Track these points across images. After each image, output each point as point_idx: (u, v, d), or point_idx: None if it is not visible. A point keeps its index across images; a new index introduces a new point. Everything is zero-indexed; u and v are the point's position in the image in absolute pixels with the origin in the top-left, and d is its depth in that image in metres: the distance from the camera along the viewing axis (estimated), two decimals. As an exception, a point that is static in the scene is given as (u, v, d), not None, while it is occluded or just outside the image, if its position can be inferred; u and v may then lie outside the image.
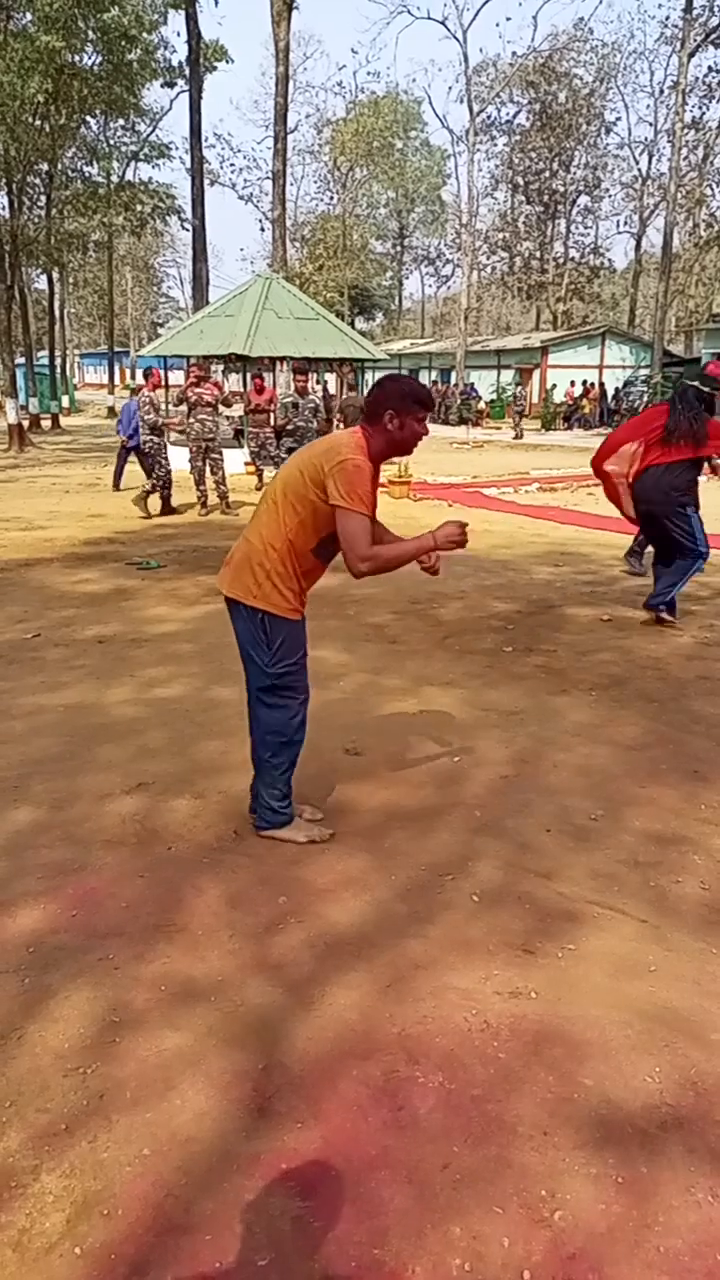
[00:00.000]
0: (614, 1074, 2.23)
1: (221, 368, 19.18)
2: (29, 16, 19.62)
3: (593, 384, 34.77)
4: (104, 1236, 1.80)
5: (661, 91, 42.01)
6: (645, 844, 3.36)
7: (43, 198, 26.30)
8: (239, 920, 2.86)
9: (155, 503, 11.82)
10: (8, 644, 5.87)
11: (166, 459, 11.72)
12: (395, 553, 3.06)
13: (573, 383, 34.56)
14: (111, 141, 29.53)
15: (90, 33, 20.79)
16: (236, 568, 3.14)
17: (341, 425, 15.54)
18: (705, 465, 6.53)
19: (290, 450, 10.68)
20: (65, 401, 37.67)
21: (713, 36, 31.18)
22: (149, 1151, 2.00)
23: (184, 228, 31.28)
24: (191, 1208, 1.86)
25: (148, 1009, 2.45)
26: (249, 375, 16.74)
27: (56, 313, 36.90)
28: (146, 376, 11.99)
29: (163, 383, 11.79)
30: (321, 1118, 2.09)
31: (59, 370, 35.60)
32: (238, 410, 16.32)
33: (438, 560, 3.25)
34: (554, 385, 34.67)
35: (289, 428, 10.60)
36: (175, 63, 26.57)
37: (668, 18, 40.28)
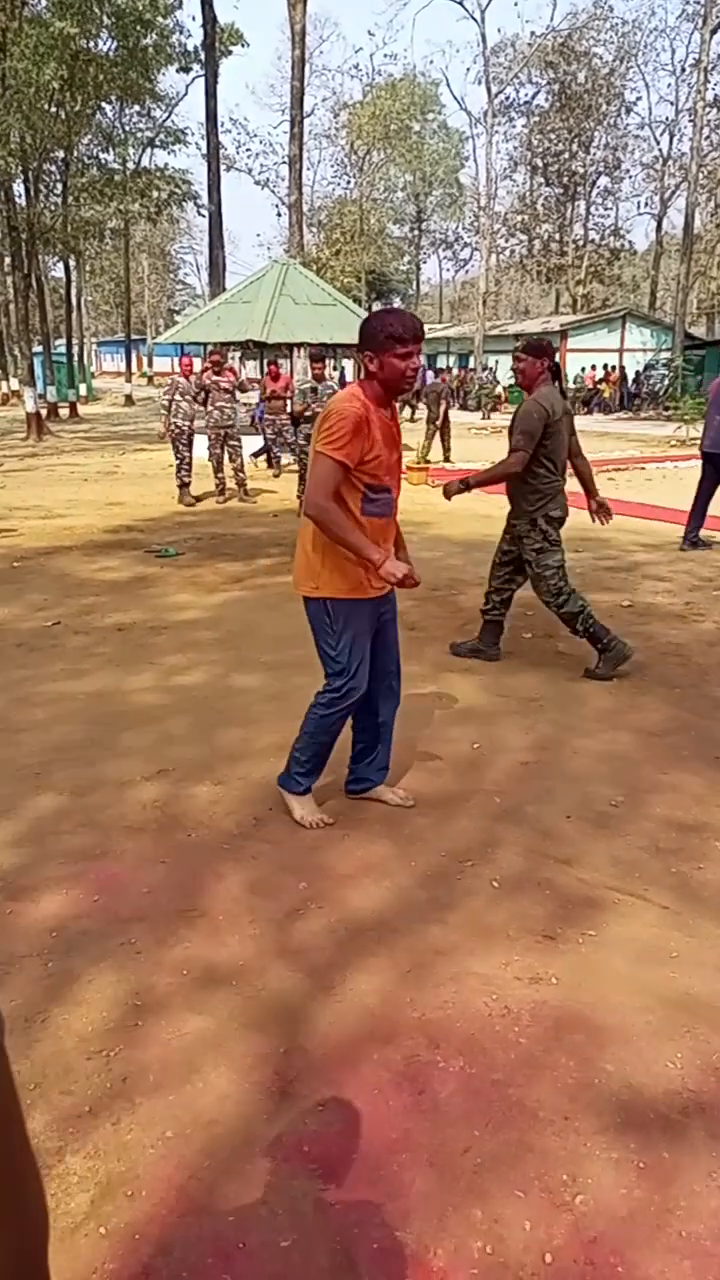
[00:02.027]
0: (635, 1059, 2.23)
1: (239, 354, 19.13)
2: (43, 2, 19.57)
3: (613, 367, 34.45)
4: (128, 1217, 1.82)
5: (683, 70, 41.32)
6: (666, 830, 3.35)
7: (59, 185, 26.27)
8: (260, 906, 2.87)
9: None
10: (29, 632, 5.91)
11: (186, 445, 11.68)
12: (343, 529, 2.96)
13: (593, 367, 34.27)
14: (127, 127, 29.33)
15: (105, 18, 20.65)
16: (296, 564, 3.22)
17: (426, 410, 16.66)
18: None
19: (308, 437, 10.64)
20: (83, 390, 37.71)
21: (735, 12, 30.67)
22: (172, 1134, 2.02)
23: (200, 214, 31.19)
24: (214, 1189, 1.88)
25: (170, 993, 2.47)
26: (265, 362, 16.71)
27: (73, 301, 36.88)
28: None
29: (193, 369, 11.72)
30: (343, 1101, 2.10)
31: (76, 358, 35.63)
32: (254, 396, 16.31)
33: (395, 577, 3.00)
34: (583, 369, 34.40)
35: (307, 414, 10.56)
36: (191, 47, 26.35)
37: (690, -7, 39.52)
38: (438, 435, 16.35)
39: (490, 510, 11.13)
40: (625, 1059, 2.23)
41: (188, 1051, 2.26)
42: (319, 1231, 1.79)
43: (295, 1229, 1.79)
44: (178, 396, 11.35)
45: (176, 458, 11.56)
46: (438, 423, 16.24)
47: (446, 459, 16.13)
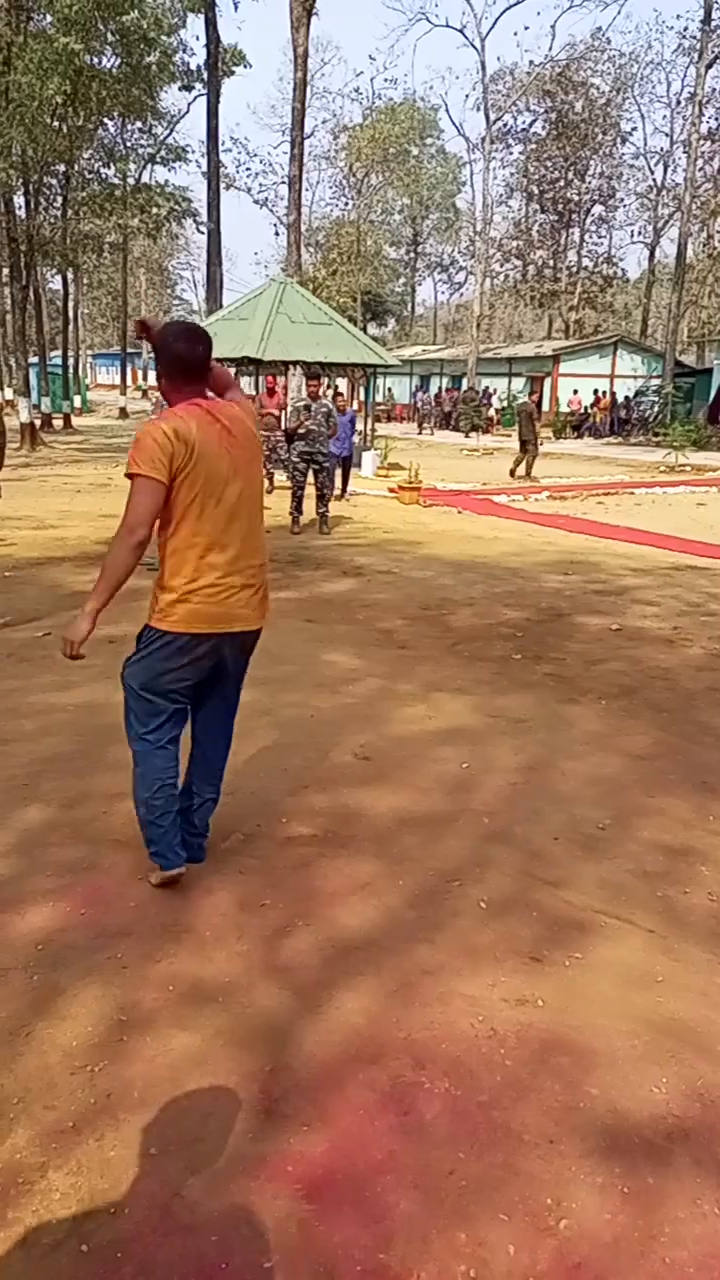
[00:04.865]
0: (620, 1084, 2.23)
1: (233, 371, 19.22)
2: (49, 18, 19.72)
3: (604, 393, 34.77)
4: (110, 1235, 1.80)
5: (678, 102, 41.90)
6: (654, 854, 3.36)
7: (59, 199, 26.42)
8: (247, 922, 2.87)
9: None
10: (19, 642, 5.89)
11: None
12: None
13: (575, 391, 34.61)
14: (128, 143, 29.55)
15: (109, 35, 20.85)
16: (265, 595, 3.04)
17: (518, 431, 17.89)
18: None
19: (301, 454, 10.68)
20: (77, 401, 37.75)
21: (731, 48, 31.21)
22: (156, 1151, 2.00)
23: (199, 231, 31.41)
24: (198, 1208, 1.87)
25: (156, 1009, 2.46)
26: (263, 378, 16.80)
27: (70, 313, 37.00)
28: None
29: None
30: (328, 1121, 2.10)
31: (72, 370, 35.70)
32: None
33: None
34: (576, 391, 34.73)
35: (300, 431, 10.61)
36: (193, 66, 26.59)
37: (686, 29, 40.07)
38: (526, 456, 17.23)
39: (481, 531, 11.19)
40: (611, 1083, 2.23)
41: (173, 1068, 2.25)
42: (302, 1252, 1.78)
43: (279, 1249, 1.78)
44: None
45: None
46: (534, 443, 17.16)
47: (513, 473, 17.26)
